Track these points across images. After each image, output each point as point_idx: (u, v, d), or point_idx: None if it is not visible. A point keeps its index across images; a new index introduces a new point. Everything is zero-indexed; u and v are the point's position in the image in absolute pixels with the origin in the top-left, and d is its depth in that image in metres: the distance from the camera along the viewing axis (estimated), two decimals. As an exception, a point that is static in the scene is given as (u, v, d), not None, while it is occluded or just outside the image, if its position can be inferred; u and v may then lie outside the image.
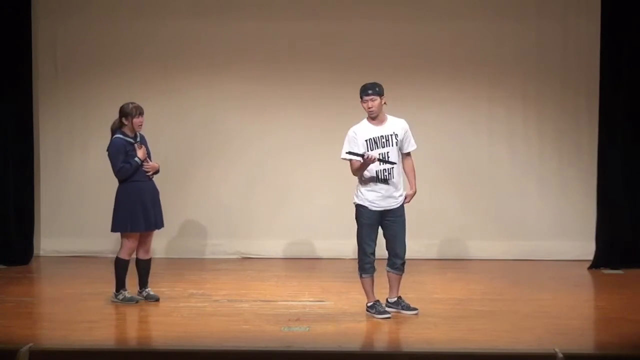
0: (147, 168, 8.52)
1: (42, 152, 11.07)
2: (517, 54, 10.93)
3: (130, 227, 8.44)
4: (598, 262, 10.46)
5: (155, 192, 8.62)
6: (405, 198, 8.05)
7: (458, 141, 10.91)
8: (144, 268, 8.68)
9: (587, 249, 10.58)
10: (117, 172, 8.45)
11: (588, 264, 10.47)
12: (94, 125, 10.95)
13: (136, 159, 8.42)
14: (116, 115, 8.59)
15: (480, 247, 10.97)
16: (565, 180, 10.97)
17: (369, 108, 7.92)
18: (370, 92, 7.91)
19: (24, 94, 10.75)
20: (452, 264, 10.73)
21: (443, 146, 10.83)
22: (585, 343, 7.44)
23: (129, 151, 8.43)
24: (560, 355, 6.49)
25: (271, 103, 11.05)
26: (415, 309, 8.12)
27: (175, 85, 11.03)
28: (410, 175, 8.11)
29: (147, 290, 8.67)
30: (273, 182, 11.09)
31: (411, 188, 8.10)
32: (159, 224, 8.64)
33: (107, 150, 8.49)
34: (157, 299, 8.63)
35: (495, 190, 11.01)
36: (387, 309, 8.09)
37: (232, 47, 11.02)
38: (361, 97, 7.96)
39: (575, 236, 10.81)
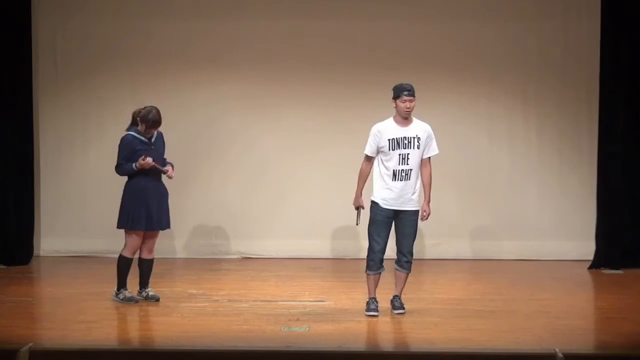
0: (170, 175, 8.55)
1: (42, 152, 11.07)
2: (517, 54, 10.94)
3: (131, 225, 8.44)
4: (598, 262, 10.46)
5: (162, 193, 8.58)
6: (424, 213, 8.05)
7: (458, 141, 10.90)
8: (145, 268, 8.66)
9: (587, 249, 10.58)
10: (115, 167, 8.48)
11: (588, 264, 10.48)
12: (94, 125, 10.96)
13: (134, 164, 8.37)
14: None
15: (480, 247, 10.98)
16: (565, 180, 10.98)
17: (407, 108, 7.94)
18: (411, 92, 7.94)
19: (24, 94, 10.74)
20: (453, 264, 10.74)
21: (443, 146, 10.67)
22: (585, 343, 7.43)
23: (139, 150, 8.40)
24: (560, 355, 6.49)
25: (273, 103, 11.06)
26: (401, 309, 8.12)
27: (176, 85, 11.03)
28: (426, 186, 8.08)
29: (147, 290, 8.67)
30: (274, 182, 11.09)
31: (425, 199, 8.08)
32: (163, 225, 8.61)
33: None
34: (157, 299, 8.62)
35: (495, 190, 11.02)
36: (394, 311, 8.13)
37: (233, 48, 11.02)
38: (399, 96, 7.94)
39: (575, 236, 10.82)
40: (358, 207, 8.13)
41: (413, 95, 7.94)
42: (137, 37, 11.04)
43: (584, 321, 8.24)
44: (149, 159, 8.36)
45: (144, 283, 8.69)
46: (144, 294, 8.65)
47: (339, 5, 10.97)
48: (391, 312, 8.11)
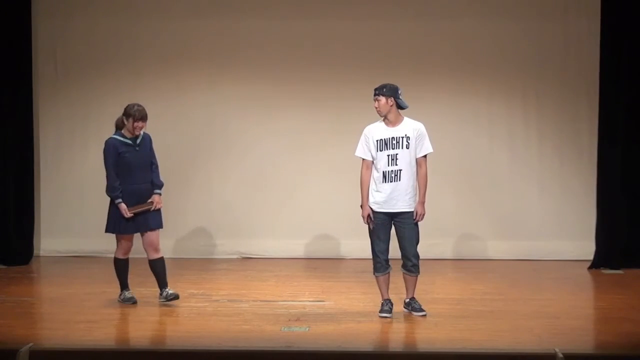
0: (157, 206, 8.46)
1: (42, 152, 11.07)
2: (517, 54, 10.93)
3: (119, 229, 8.39)
4: (598, 262, 10.46)
5: (149, 196, 8.45)
6: (416, 214, 7.99)
7: (458, 141, 10.91)
8: (158, 268, 8.51)
9: (587, 249, 10.58)
10: (106, 178, 8.37)
11: (588, 264, 10.48)
12: (94, 125, 10.95)
13: (118, 201, 8.27)
14: (115, 116, 8.57)
15: (481, 247, 10.98)
16: (565, 180, 10.98)
17: (375, 107, 8.00)
18: (376, 92, 7.99)
19: (24, 94, 10.75)
20: (453, 264, 10.75)
21: (443, 146, 10.78)
22: (585, 343, 7.44)
23: (122, 153, 8.34)
24: (560, 355, 6.50)
25: (273, 104, 11.05)
26: (422, 311, 8.10)
27: (177, 85, 11.03)
28: (420, 186, 8.01)
29: (166, 290, 8.50)
30: (274, 182, 11.09)
31: (418, 199, 8.02)
32: (148, 226, 8.44)
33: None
34: (176, 297, 8.45)
35: (495, 190, 11.01)
36: (403, 308, 8.18)
37: (235, 48, 11.02)
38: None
39: (575, 236, 10.81)
40: (368, 215, 8.00)
41: (382, 94, 7.93)
42: (137, 37, 11.04)
43: (584, 321, 8.24)
44: (128, 214, 8.30)
45: (162, 284, 8.51)
46: (164, 294, 8.49)
47: (339, 6, 10.96)
48: (411, 314, 8.09)
